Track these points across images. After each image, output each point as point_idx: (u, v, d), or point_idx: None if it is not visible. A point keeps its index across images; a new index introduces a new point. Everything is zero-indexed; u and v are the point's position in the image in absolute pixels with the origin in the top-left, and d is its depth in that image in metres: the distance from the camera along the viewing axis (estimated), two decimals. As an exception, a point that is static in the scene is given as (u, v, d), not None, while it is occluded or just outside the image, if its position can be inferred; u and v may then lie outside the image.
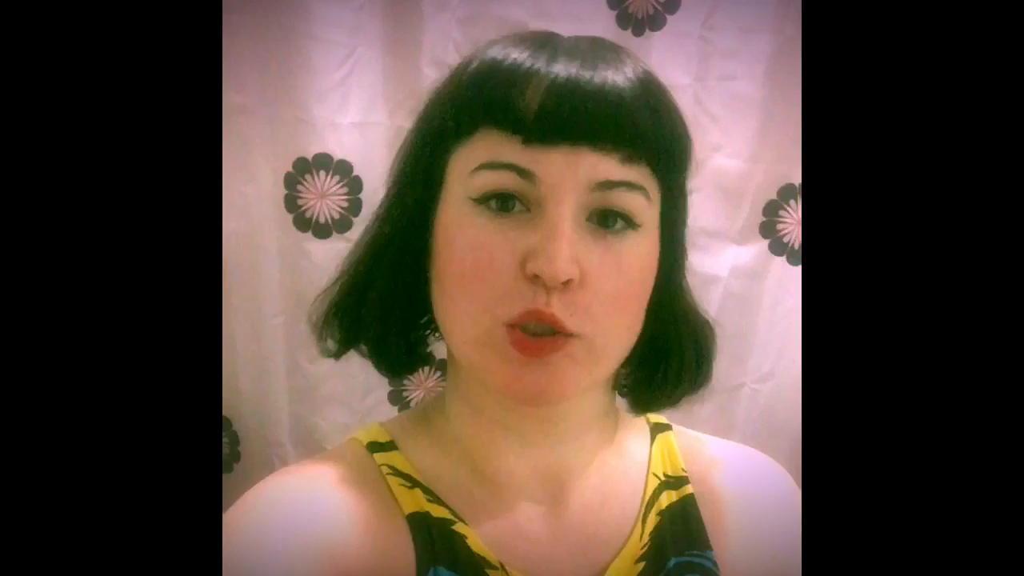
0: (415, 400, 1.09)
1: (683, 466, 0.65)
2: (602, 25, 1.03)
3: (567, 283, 0.51)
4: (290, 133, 0.97)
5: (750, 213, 1.11)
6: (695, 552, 0.60)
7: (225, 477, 1.07)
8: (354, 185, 1.00)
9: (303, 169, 0.98)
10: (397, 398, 1.09)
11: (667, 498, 0.62)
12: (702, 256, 1.07)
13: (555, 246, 0.51)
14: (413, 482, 0.58)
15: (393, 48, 0.99)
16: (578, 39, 0.57)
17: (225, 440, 1.07)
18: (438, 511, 0.57)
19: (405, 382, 1.08)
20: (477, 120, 0.54)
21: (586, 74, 0.52)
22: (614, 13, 1.04)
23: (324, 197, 1.00)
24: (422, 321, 0.62)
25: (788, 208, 1.12)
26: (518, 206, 0.53)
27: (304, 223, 1.00)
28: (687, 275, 0.63)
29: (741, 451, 0.70)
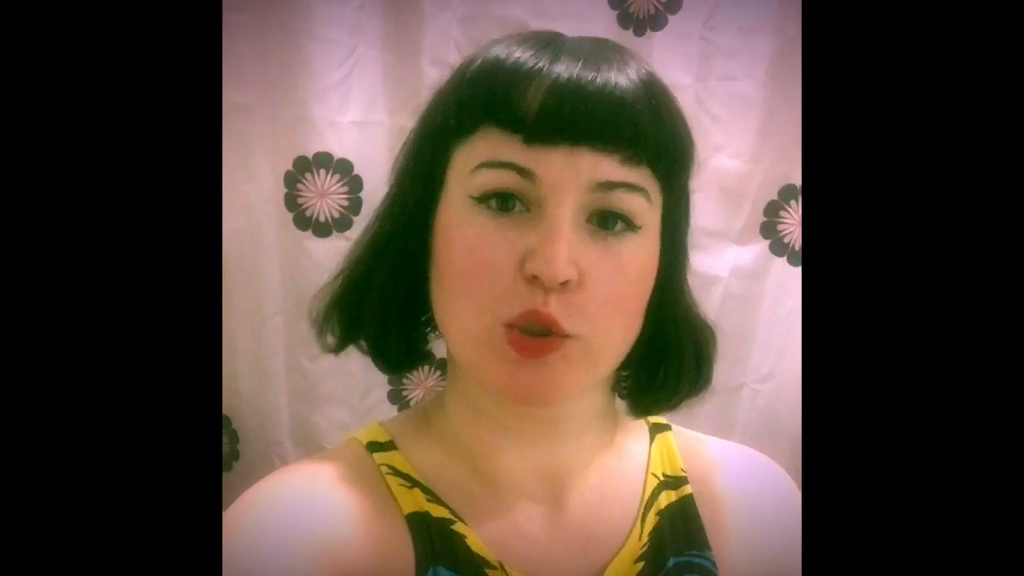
0: (415, 399, 1.09)
1: (682, 466, 0.65)
2: (603, 25, 1.03)
3: (565, 284, 0.51)
4: (290, 132, 0.97)
5: (751, 213, 1.11)
6: (694, 552, 0.60)
7: (225, 476, 1.07)
8: (354, 184, 1.00)
9: (303, 168, 0.98)
10: (397, 397, 1.09)
11: (666, 498, 0.62)
12: (703, 256, 1.07)
13: (554, 247, 0.51)
14: (412, 482, 0.58)
15: (393, 47, 0.99)
16: (582, 40, 0.57)
17: (225, 439, 1.07)
18: (437, 511, 0.57)
19: (405, 381, 1.08)
20: (478, 118, 0.54)
21: (588, 75, 0.52)
22: (615, 13, 1.04)
23: (324, 196, 1.00)
24: (422, 319, 0.62)
25: (789, 209, 1.12)
26: (518, 206, 0.53)
27: (304, 222, 1.00)
28: (688, 277, 0.63)
29: (740, 451, 0.70)
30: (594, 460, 0.63)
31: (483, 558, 0.56)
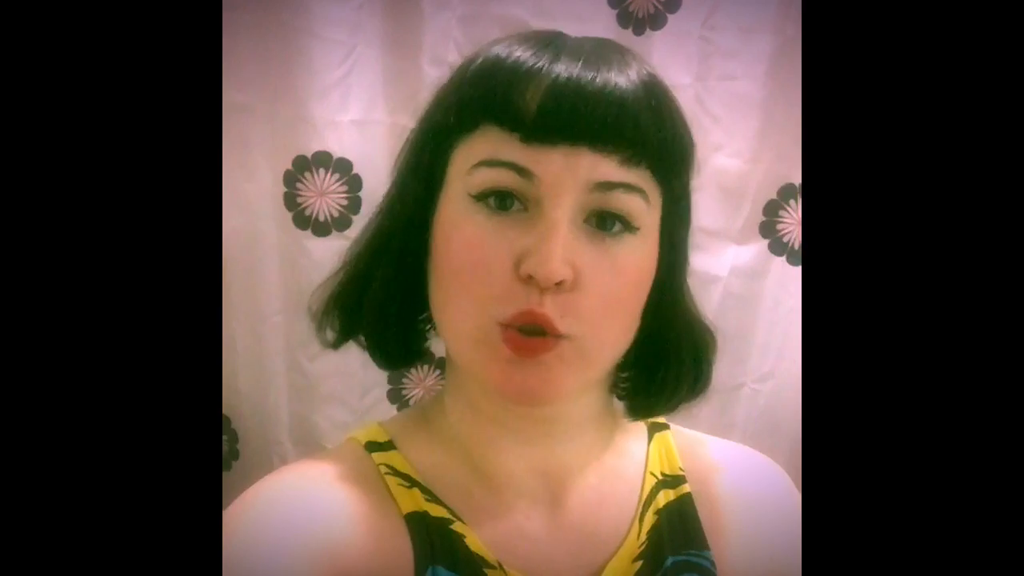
0: (414, 398, 1.09)
1: (680, 465, 0.65)
2: (603, 24, 1.02)
3: (560, 284, 0.51)
4: (290, 131, 0.97)
5: (750, 213, 1.11)
6: (692, 551, 0.60)
7: (224, 475, 1.07)
8: (353, 183, 1.00)
9: (303, 167, 0.98)
10: (396, 396, 1.09)
11: (664, 497, 0.62)
12: (702, 256, 1.07)
13: (549, 247, 0.50)
14: (411, 482, 0.58)
15: (393, 46, 0.99)
16: (584, 40, 0.57)
17: (224, 438, 1.07)
18: (436, 510, 0.57)
19: (404, 380, 1.08)
20: (478, 117, 0.54)
21: (588, 75, 0.52)
22: (615, 12, 1.04)
23: (324, 195, 1.00)
24: (421, 317, 0.62)
25: (788, 208, 1.12)
26: (516, 205, 0.53)
27: (303, 221, 1.00)
28: (688, 279, 0.62)
29: (739, 450, 0.70)
30: (592, 459, 0.63)
31: (482, 557, 0.56)
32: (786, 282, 1.14)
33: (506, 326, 0.52)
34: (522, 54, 0.53)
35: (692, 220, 0.62)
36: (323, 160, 0.98)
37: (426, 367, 1.08)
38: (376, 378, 1.07)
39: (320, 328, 0.63)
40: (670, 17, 1.04)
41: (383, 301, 0.60)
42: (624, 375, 0.63)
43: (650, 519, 0.61)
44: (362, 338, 0.62)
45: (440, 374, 1.06)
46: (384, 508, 0.57)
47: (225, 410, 1.06)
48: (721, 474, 0.65)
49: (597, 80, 0.52)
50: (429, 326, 0.63)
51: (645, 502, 0.62)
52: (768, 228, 1.12)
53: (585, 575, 0.58)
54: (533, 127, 0.52)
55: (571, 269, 0.51)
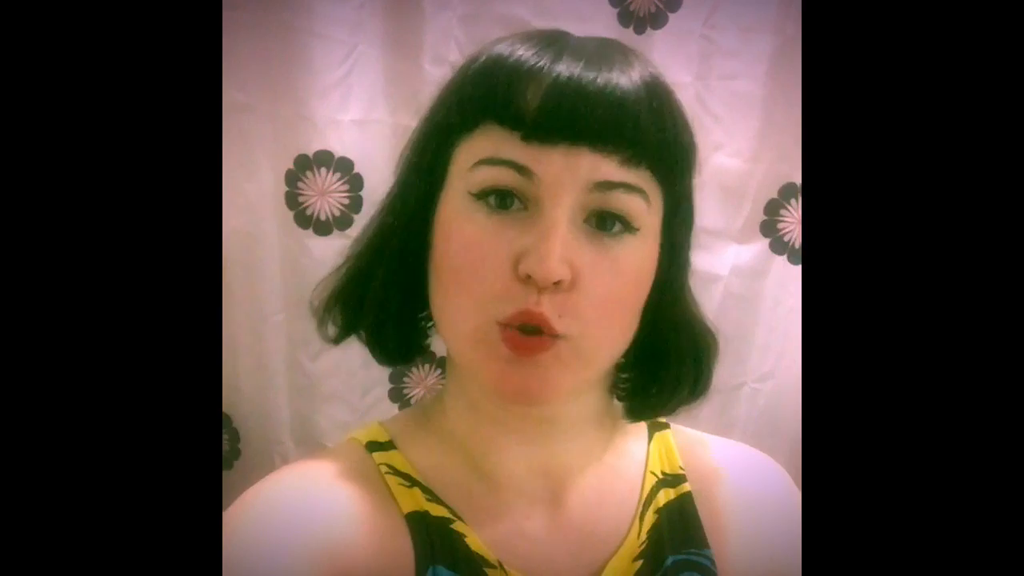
0: (415, 398, 1.09)
1: (681, 464, 0.65)
2: (603, 23, 1.02)
3: (558, 284, 0.51)
4: (291, 130, 0.97)
5: (751, 212, 1.11)
6: (693, 550, 0.60)
7: (226, 474, 1.07)
8: (355, 182, 1.00)
9: (304, 166, 0.98)
10: (398, 395, 1.09)
11: (665, 496, 0.62)
12: (703, 255, 1.06)
13: (547, 246, 0.50)
14: (412, 481, 0.58)
15: (394, 46, 0.99)
16: (587, 39, 0.57)
17: (225, 437, 1.07)
18: (437, 510, 0.57)
19: (405, 380, 1.08)
20: (480, 115, 0.54)
21: (589, 74, 0.52)
22: (615, 11, 1.04)
23: (325, 194, 1.00)
24: (421, 315, 0.62)
25: (789, 207, 1.12)
26: (516, 204, 0.53)
27: (305, 220, 1.00)
28: (690, 281, 0.62)
29: (739, 449, 0.70)
30: (593, 459, 0.63)
31: (482, 557, 0.56)
32: (787, 281, 1.14)
33: (505, 325, 0.52)
34: (524, 53, 0.53)
35: (694, 221, 0.61)
36: (324, 159, 0.98)
37: (427, 366, 1.08)
38: (377, 377, 1.07)
39: (321, 324, 0.63)
40: (671, 16, 1.04)
41: (384, 298, 0.60)
42: (624, 376, 0.63)
43: (650, 518, 0.61)
44: (363, 334, 0.62)
45: (441, 373, 1.06)
46: (385, 508, 0.57)
47: (226, 409, 1.06)
48: (721, 473, 0.65)
49: (598, 80, 0.52)
50: (430, 324, 0.63)
51: (645, 501, 0.62)
52: (769, 227, 1.12)
53: (586, 574, 0.58)
54: (533, 126, 0.52)
55: (569, 269, 0.51)
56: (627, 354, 0.60)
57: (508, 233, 0.52)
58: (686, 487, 0.63)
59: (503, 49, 0.55)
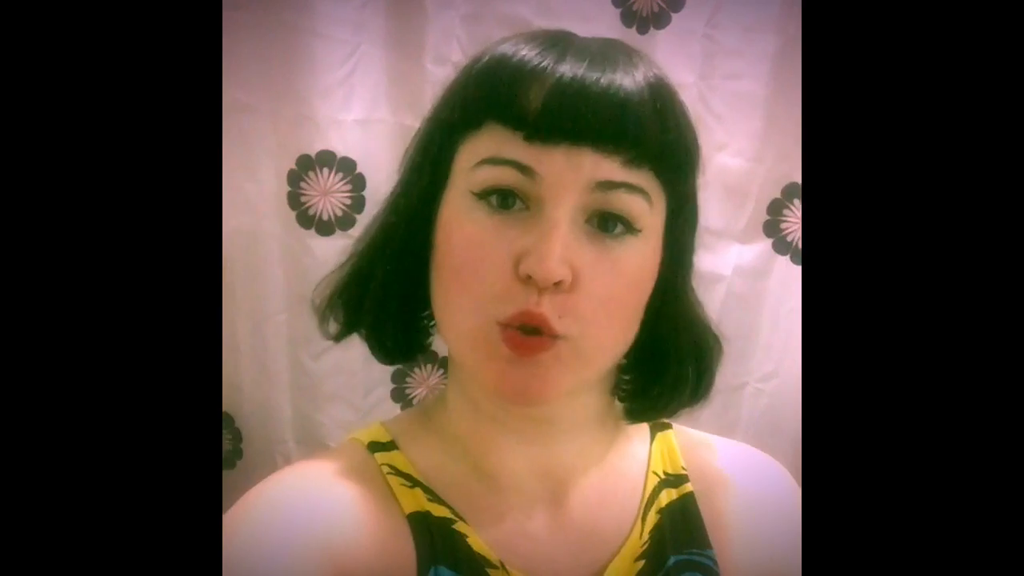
0: (417, 398, 1.09)
1: (683, 464, 0.65)
2: (606, 23, 1.03)
3: (558, 284, 0.51)
4: (293, 130, 0.97)
5: (754, 212, 1.11)
6: (695, 550, 0.60)
7: (228, 474, 1.07)
8: (357, 182, 1.00)
9: (306, 166, 0.98)
10: (400, 395, 1.09)
11: (667, 496, 0.62)
12: (706, 255, 1.06)
13: (548, 246, 0.50)
14: (413, 482, 0.58)
15: (397, 45, 0.99)
16: (591, 40, 0.57)
17: (228, 437, 1.07)
18: (438, 510, 0.57)
19: (408, 380, 1.08)
20: (483, 115, 0.54)
21: (592, 75, 0.52)
22: (618, 11, 1.04)
23: (327, 194, 1.00)
24: (422, 314, 0.62)
25: (792, 207, 1.12)
26: (518, 204, 0.53)
27: (307, 220, 1.00)
28: (693, 283, 0.62)
29: (741, 450, 0.70)
30: (595, 459, 0.63)
31: (484, 557, 0.56)
32: (789, 281, 1.14)
33: (505, 325, 0.52)
34: (528, 53, 0.53)
35: (698, 224, 0.61)
36: (327, 159, 0.98)
37: (429, 366, 1.08)
38: (380, 377, 1.07)
39: (323, 321, 0.63)
40: (674, 16, 1.04)
41: (384, 297, 0.60)
42: (626, 377, 0.63)
43: (652, 518, 0.61)
44: (363, 332, 0.63)
45: (443, 373, 1.06)
46: (386, 508, 0.57)
47: (229, 409, 1.06)
48: (724, 473, 0.65)
49: (601, 81, 0.52)
50: (432, 323, 0.63)
51: (647, 501, 0.62)
52: (772, 227, 1.12)
53: (587, 574, 0.58)
54: (536, 125, 0.51)
55: (569, 269, 0.51)
56: (629, 355, 0.60)
57: (509, 233, 0.52)
58: (688, 487, 0.63)
59: (507, 49, 0.55)
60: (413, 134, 0.61)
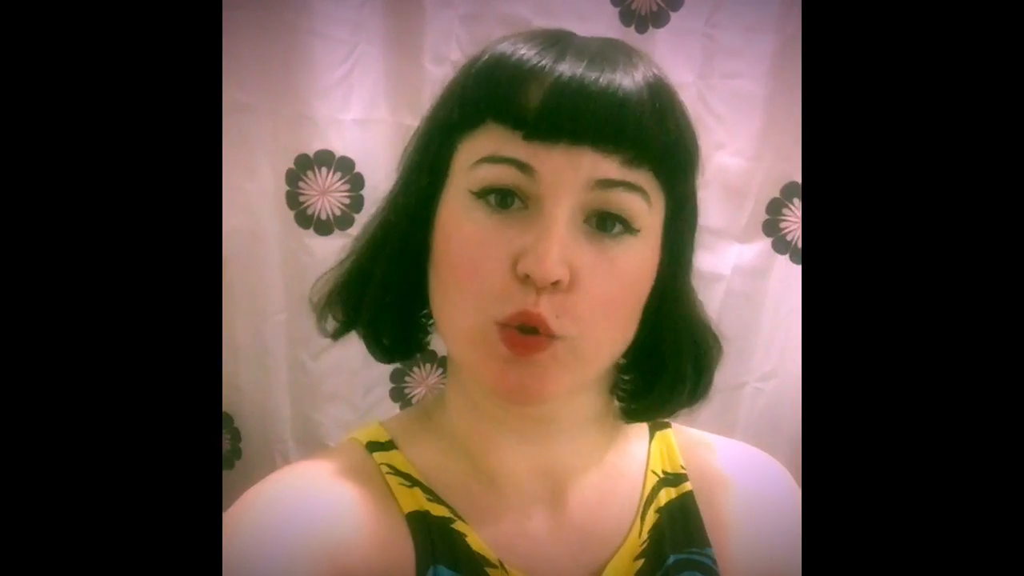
0: (417, 397, 1.09)
1: (682, 463, 0.65)
2: (605, 22, 1.02)
3: (556, 284, 0.51)
4: (292, 129, 0.97)
5: (753, 211, 1.11)
6: (694, 549, 0.60)
7: (227, 474, 1.07)
8: (356, 182, 1.00)
9: (305, 166, 0.98)
10: (399, 395, 1.09)
11: (666, 495, 0.62)
12: (705, 254, 1.06)
13: (546, 246, 0.50)
14: (412, 481, 0.58)
15: (395, 45, 0.99)
16: (591, 39, 0.57)
17: (227, 437, 1.07)
18: (437, 510, 0.57)
19: (407, 379, 1.08)
20: (482, 114, 0.54)
21: (591, 74, 0.52)
22: (617, 10, 1.04)
23: (326, 194, 1.00)
24: (422, 313, 0.62)
25: (791, 206, 1.12)
26: (517, 203, 0.53)
27: (306, 220, 1.00)
28: (693, 283, 0.62)
29: (740, 449, 0.70)
30: (594, 458, 0.63)
31: (483, 557, 0.56)
32: (789, 280, 1.13)
33: (503, 325, 0.52)
34: (527, 52, 0.53)
35: (698, 224, 0.61)
36: (325, 159, 0.98)
37: (428, 365, 1.08)
38: (379, 376, 1.07)
39: (321, 319, 0.63)
40: (673, 15, 1.04)
41: (383, 295, 0.60)
42: (625, 377, 0.63)
43: (651, 517, 0.61)
44: (361, 330, 0.62)
45: (442, 373, 1.06)
46: (385, 508, 0.57)
47: (228, 409, 1.06)
48: (723, 472, 0.65)
49: (600, 80, 0.52)
50: (430, 322, 0.63)
51: (646, 500, 0.62)
52: (771, 226, 1.12)
53: (586, 574, 0.58)
54: (535, 125, 0.51)
55: (567, 269, 0.51)
56: (628, 355, 0.60)
57: (508, 232, 0.52)
58: (687, 486, 0.63)
59: (506, 48, 0.55)
60: (412, 133, 0.61)
